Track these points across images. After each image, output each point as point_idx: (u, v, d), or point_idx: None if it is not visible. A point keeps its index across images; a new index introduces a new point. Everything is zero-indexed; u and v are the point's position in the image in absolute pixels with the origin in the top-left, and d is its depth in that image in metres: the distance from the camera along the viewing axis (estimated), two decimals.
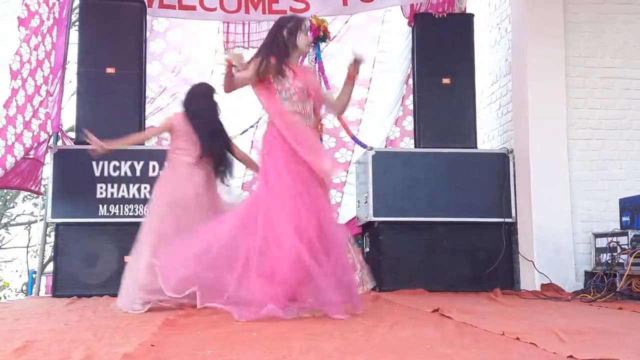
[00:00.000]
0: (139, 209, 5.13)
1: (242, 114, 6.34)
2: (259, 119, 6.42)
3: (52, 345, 2.32)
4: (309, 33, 3.66)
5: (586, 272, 5.00)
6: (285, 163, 3.31)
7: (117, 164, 5.15)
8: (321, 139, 4.08)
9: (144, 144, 5.16)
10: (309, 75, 3.65)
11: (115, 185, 5.14)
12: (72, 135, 5.76)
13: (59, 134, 5.58)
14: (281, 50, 3.44)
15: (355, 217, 5.97)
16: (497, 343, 2.34)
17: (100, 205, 5.12)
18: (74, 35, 5.84)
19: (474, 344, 2.32)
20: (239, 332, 2.68)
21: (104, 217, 5.10)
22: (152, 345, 2.26)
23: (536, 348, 2.19)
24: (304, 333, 2.62)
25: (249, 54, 6.35)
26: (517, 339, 2.38)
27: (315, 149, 3.42)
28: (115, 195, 5.14)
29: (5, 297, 11.93)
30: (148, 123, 5.82)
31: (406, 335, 2.53)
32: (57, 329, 2.89)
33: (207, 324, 2.92)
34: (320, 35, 5.92)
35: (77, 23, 5.76)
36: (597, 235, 4.99)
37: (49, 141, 5.35)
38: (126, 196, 5.15)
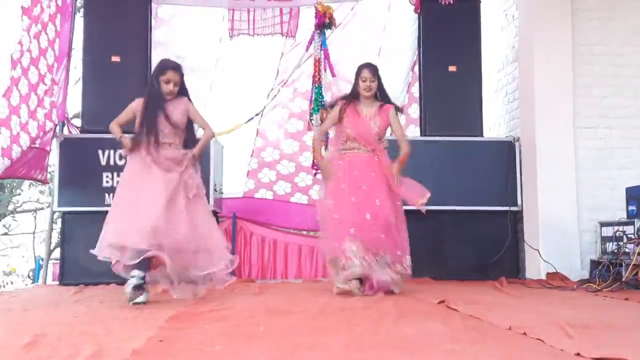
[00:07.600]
0: None
1: (247, 102, 6.33)
2: (264, 107, 6.40)
3: (61, 339, 2.34)
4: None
5: (592, 261, 5.00)
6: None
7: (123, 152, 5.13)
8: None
9: None
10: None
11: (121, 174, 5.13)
12: (78, 123, 5.75)
13: (65, 122, 5.58)
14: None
15: None
16: (504, 338, 2.35)
17: (107, 194, 5.13)
18: (79, 22, 5.81)
19: (480, 338, 2.32)
20: (246, 325, 2.69)
21: (110, 205, 5.09)
22: (161, 341, 2.28)
23: (543, 344, 2.19)
24: (312, 327, 2.63)
25: (253, 42, 6.35)
26: (524, 334, 2.38)
27: None
28: None
29: (12, 283, 12.02)
30: None
31: (413, 330, 2.53)
32: (66, 321, 2.91)
33: (214, 318, 2.93)
34: (326, 23, 5.86)
35: (82, 10, 5.71)
36: (603, 224, 4.98)
37: (55, 129, 5.34)
38: None
